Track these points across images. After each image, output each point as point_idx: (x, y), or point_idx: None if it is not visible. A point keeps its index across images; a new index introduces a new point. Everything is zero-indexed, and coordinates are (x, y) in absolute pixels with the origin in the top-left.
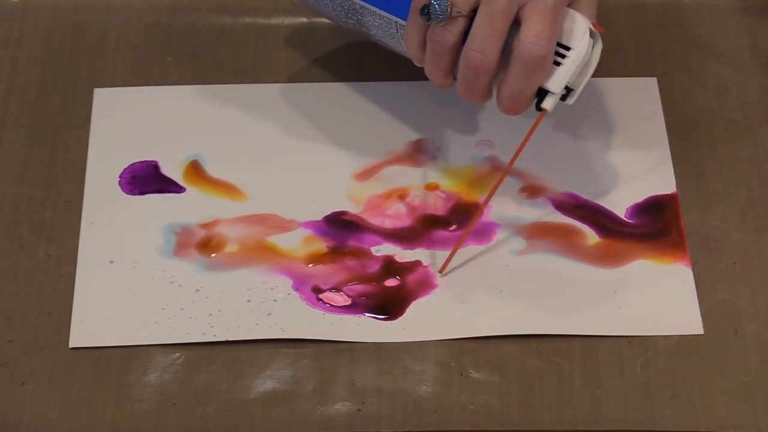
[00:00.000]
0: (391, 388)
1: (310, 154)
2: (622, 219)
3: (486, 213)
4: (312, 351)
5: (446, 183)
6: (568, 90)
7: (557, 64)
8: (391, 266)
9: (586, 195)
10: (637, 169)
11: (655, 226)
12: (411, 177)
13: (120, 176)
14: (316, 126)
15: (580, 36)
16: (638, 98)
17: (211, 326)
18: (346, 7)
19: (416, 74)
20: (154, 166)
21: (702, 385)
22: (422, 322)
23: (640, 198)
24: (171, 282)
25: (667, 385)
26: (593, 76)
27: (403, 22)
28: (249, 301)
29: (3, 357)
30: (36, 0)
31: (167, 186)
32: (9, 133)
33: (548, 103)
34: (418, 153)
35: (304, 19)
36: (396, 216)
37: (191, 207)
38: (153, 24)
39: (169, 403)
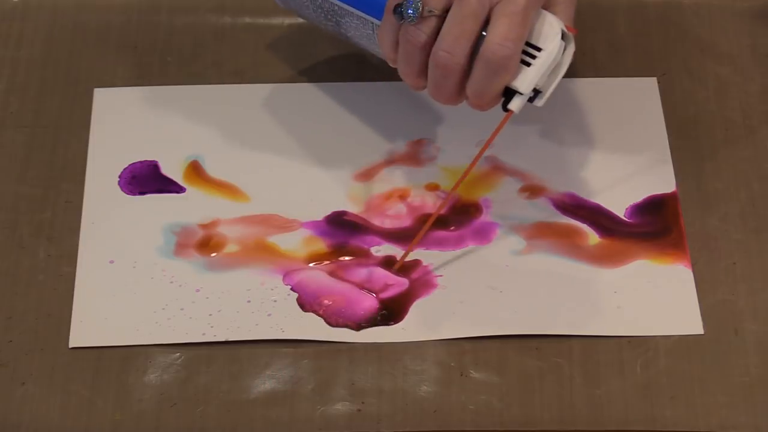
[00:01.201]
0: (391, 388)
1: (310, 154)
2: (622, 219)
3: (486, 213)
4: (312, 351)
5: (446, 183)
6: (537, 92)
7: (527, 64)
8: (390, 266)
9: (586, 195)
10: (637, 169)
11: (655, 225)
12: (411, 177)
13: (120, 176)
14: (316, 126)
15: (552, 37)
16: (638, 98)
17: (211, 326)
18: (325, 9)
19: None
20: (154, 166)
21: (702, 385)
22: (422, 322)
23: (639, 198)
24: (171, 282)
25: (667, 385)
26: (594, 76)
27: (378, 23)
28: (249, 301)
29: (3, 357)
30: (36, 0)
31: (167, 186)
32: (9, 133)
33: (515, 104)
34: (418, 153)
35: (303, 19)
36: (396, 216)
37: (191, 207)
38: (153, 24)
39: (169, 403)
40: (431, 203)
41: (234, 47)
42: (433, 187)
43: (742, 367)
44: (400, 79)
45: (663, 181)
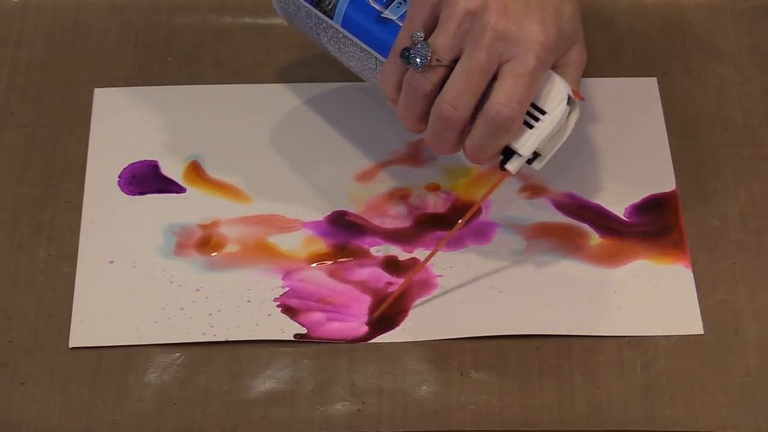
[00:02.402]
0: (391, 388)
1: (310, 154)
2: (622, 219)
3: (486, 213)
4: (312, 351)
5: (446, 183)
6: (536, 154)
7: (530, 126)
8: (391, 266)
9: (586, 195)
10: (637, 169)
11: (655, 224)
12: (411, 177)
13: (120, 176)
14: (316, 126)
15: (557, 101)
16: (638, 98)
17: (211, 326)
18: (329, 35)
19: None
20: (154, 166)
21: (702, 385)
22: (422, 322)
23: (639, 198)
24: (171, 282)
25: (667, 385)
26: (593, 76)
27: (382, 59)
28: (249, 301)
29: (3, 357)
30: (36, 0)
31: (167, 186)
32: (9, 133)
33: (512, 165)
34: (418, 153)
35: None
36: (397, 216)
37: (191, 207)
38: (153, 24)
39: (169, 403)
40: (431, 203)
41: (234, 47)
42: (432, 187)
43: (742, 367)
44: None
45: (663, 181)
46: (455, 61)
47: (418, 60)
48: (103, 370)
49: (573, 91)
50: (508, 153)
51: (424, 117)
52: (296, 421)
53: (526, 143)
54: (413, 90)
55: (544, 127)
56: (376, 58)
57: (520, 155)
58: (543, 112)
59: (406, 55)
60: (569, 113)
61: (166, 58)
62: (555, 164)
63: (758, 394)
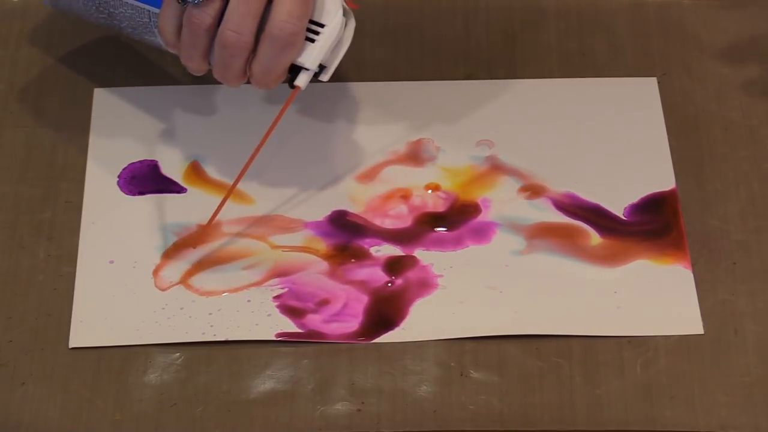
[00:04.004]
0: (391, 388)
1: (310, 154)
2: (622, 219)
3: (486, 213)
4: (312, 351)
5: (446, 183)
6: (322, 67)
7: (311, 41)
8: (390, 266)
9: (586, 195)
10: (637, 169)
11: (655, 223)
12: (411, 177)
13: (119, 176)
14: (316, 126)
15: (333, 13)
16: (638, 98)
17: (211, 326)
18: (96, 2)
19: (416, 74)
20: (154, 167)
21: (702, 385)
22: (422, 322)
23: (639, 197)
24: (171, 282)
25: (667, 385)
26: (594, 75)
27: (156, 10)
28: (249, 301)
29: (3, 357)
30: (36, 0)
31: (167, 186)
32: (9, 133)
33: (301, 80)
34: (418, 153)
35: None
36: (397, 216)
37: (191, 207)
38: None
39: (169, 403)
40: (431, 203)
41: None
42: (432, 187)
43: (742, 367)
44: (401, 79)
45: (663, 181)
46: None
47: None
48: (103, 370)
49: (346, 1)
50: (295, 71)
51: (207, 54)
52: (296, 421)
53: (310, 56)
54: (194, 26)
55: (324, 39)
56: (148, 10)
57: (307, 69)
58: (321, 26)
59: None
60: (346, 24)
61: (166, 58)
62: (555, 164)
63: (758, 394)
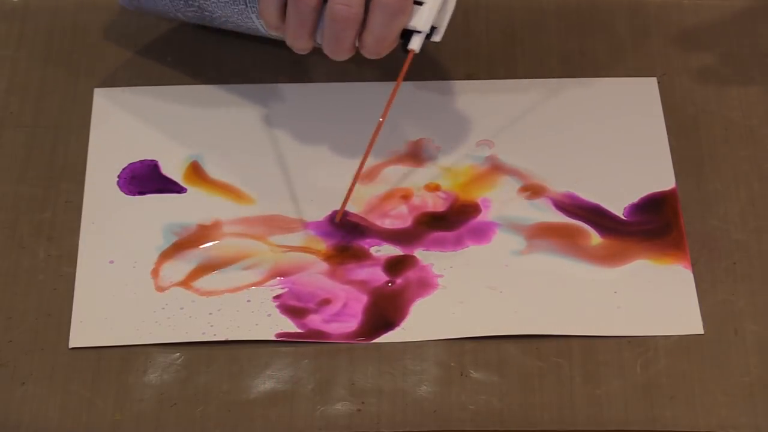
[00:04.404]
0: (391, 388)
1: (310, 154)
2: (622, 219)
3: (486, 213)
4: (312, 351)
5: (446, 183)
6: (433, 28)
7: (419, 3)
8: (390, 266)
9: (586, 195)
10: (637, 169)
11: (655, 223)
12: (411, 177)
13: (120, 176)
14: (316, 126)
15: None
16: (638, 98)
17: (211, 326)
18: None
19: (416, 74)
20: (154, 166)
21: (702, 385)
22: (422, 322)
23: (639, 197)
24: (171, 282)
25: (667, 385)
26: (594, 75)
27: None
28: (249, 301)
29: (3, 357)
30: (36, 0)
31: (167, 186)
32: (9, 133)
33: (415, 44)
34: (418, 153)
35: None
36: (397, 216)
37: (191, 207)
38: (153, 24)
39: (169, 403)
40: (431, 203)
41: (234, 47)
42: (432, 187)
43: (742, 367)
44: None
45: (663, 181)
46: None
47: None
48: (103, 370)
49: None
50: (407, 35)
51: (314, 32)
52: (296, 421)
53: (422, 19)
54: (302, 4)
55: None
56: None
57: (419, 32)
58: None
59: None
60: None
61: (166, 58)
62: (555, 164)
63: (758, 394)
